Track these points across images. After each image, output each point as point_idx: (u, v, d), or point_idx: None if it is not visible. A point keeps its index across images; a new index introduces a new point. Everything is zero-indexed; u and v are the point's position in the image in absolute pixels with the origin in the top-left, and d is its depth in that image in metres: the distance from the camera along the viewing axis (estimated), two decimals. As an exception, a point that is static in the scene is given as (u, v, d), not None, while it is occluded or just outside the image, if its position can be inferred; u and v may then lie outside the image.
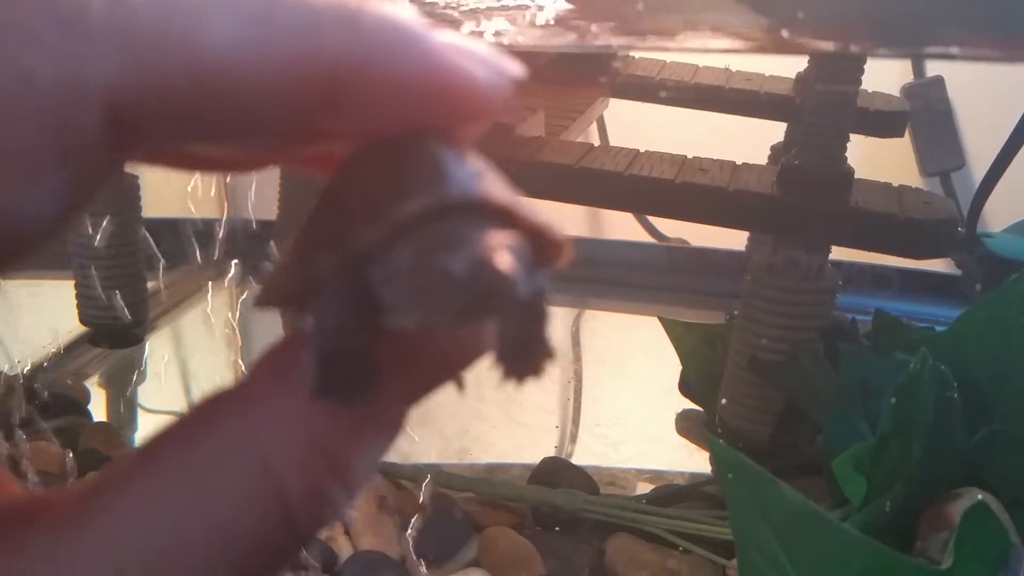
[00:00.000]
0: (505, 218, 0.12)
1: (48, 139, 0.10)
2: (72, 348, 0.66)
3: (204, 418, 0.12)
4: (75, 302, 0.64)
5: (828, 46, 0.43)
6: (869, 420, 0.40)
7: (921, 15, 0.40)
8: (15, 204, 0.10)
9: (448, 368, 0.13)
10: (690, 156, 0.52)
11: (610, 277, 0.85)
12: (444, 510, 0.48)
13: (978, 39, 0.40)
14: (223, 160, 0.15)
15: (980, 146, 0.93)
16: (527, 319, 0.12)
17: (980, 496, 0.34)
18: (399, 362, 0.12)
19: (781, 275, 0.46)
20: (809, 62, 0.63)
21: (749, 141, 0.73)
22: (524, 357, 0.12)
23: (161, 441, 0.12)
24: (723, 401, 0.48)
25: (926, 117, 0.92)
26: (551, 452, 0.59)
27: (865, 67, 0.44)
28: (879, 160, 0.93)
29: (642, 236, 0.93)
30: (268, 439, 0.12)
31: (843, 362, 0.41)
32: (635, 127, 0.90)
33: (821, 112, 0.44)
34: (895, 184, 0.49)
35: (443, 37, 0.12)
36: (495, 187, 0.12)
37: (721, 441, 0.32)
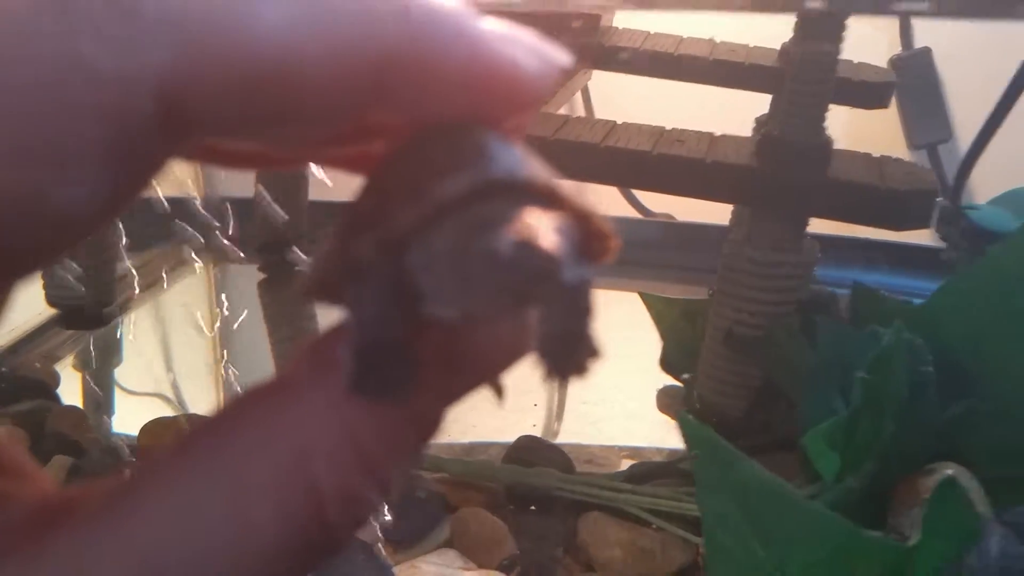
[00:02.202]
0: (551, 201, 0.11)
1: (102, 128, 0.10)
2: (43, 331, 0.65)
3: (239, 412, 0.12)
4: (41, 283, 0.62)
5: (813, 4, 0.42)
6: (845, 395, 0.39)
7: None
8: (66, 193, 0.10)
9: (489, 367, 0.13)
10: (669, 127, 0.51)
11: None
12: (417, 491, 0.47)
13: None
14: (261, 156, 0.14)
15: (967, 118, 0.92)
16: (572, 313, 0.11)
17: (950, 472, 0.33)
18: (438, 359, 0.12)
19: (756, 247, 0.45)
20: (795, 30, 0.62)
21: (738, 113, 0.72)
22: (568, 354, 0.12)
23: (194, 436, 0.12)
24: (700, 377, 0.48)
25: (914, 89, 0.90)
26: (530, 431, 0.59)
27: (846, 27, 0.43)
28: (867, 132, 0.92)
29: (628, 211, 0.92)
30: (304, 435, 0.11)
31: (820, 336, 0.41)
32: (621, 99, 0.89)
33: (802, 80, 0.43)
34: (876, 155, 0.48)
35: (491, 25, 0.12)
36: (541, 171, 0.12)
37: (691, 417, 0.31)
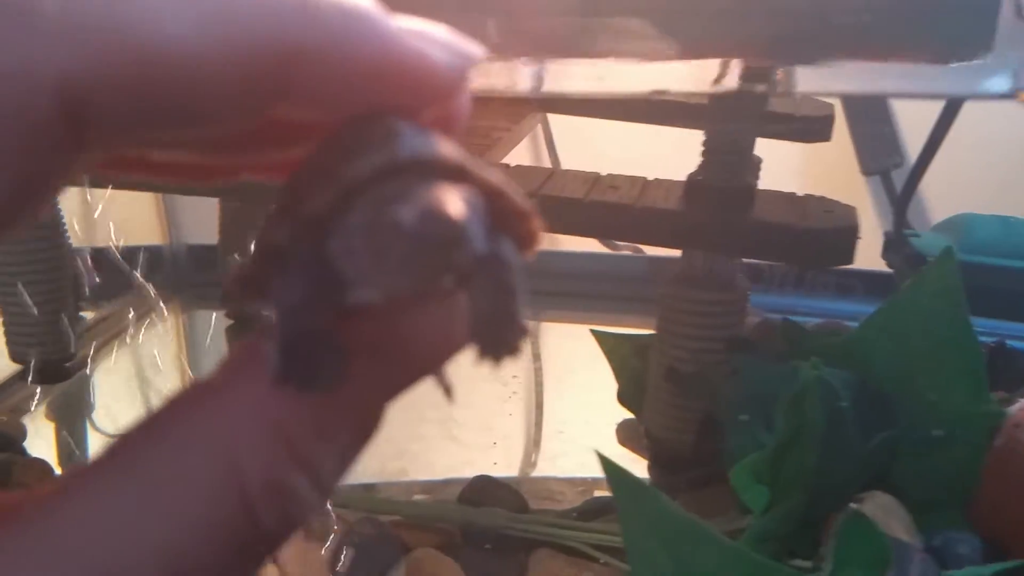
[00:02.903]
0: (461, 178, 0.12)
1: (1, 129, 0.10)
2: (9, 384, 0.66)
3: (167, 413, 0.12)
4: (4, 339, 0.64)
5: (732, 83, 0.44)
6: (770, 429, 0.41)
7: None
8: None
9: (423, 358, 0.13)
10: (605, 173, 0.53)
11: (563, 288, 0.86)
12: (372, 534, 0.48)
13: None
14: (191, 168, 0.15)
15: (919, 143, 0.95)
16: (497, 291, 0.11)
17: (854, 506, 0.35)
18: (370, 349, 0.12)
19: (690, 286, 0.47)
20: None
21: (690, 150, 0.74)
22: (497, 335, 0.12)
23: (125, 438, 0.12)
24: (647, 413, 0.49)
25: (865, 116, 0.93)
26: (489, 469, 0.60)
27: (767, 100, 0.45)
28: (823, 160, 0.94)
29: (595, 246, 0.94)
30: (229, 430, 0.11)
31: (743, 373, 0.42)
32: (587, 143, 0.90)
33: (720, 130, 0.45)
34: (800, 194, 0.50)
35: (400, 21, 0.12)
36: (451, 150, 0.12)
37: (608, 458, 0.33)
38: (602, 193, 0.48)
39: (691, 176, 0.48)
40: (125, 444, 0.12)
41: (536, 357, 0.79)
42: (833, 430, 0.37)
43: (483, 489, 0.53)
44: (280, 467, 0.11)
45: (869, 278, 0.79)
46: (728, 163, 0.46)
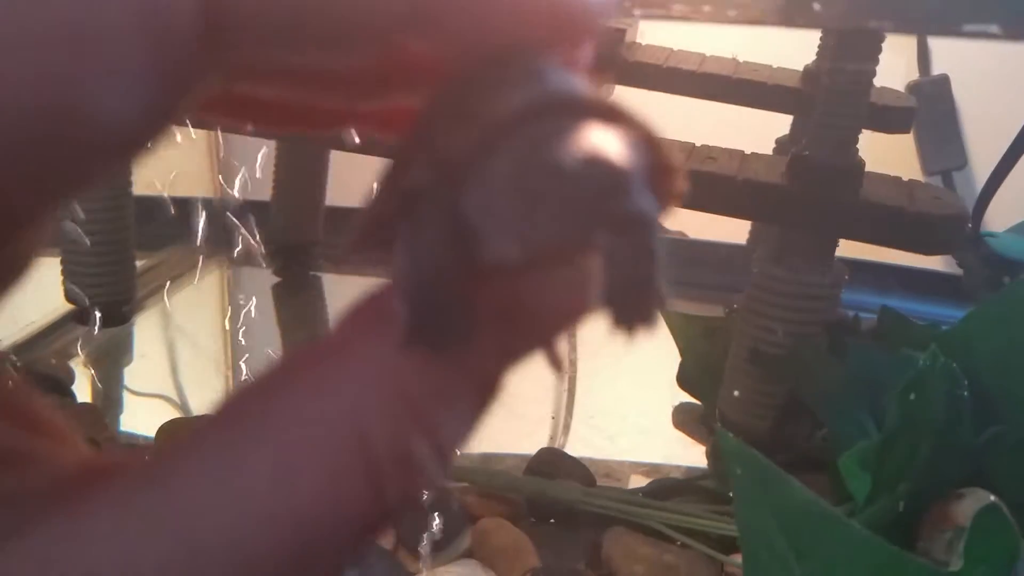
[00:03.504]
0: (615, 121, 0.10)
1: (143, 35, 0.10)
2: (57, 327, 0.65)
3: (284, 375, 0.11)
4: (60, 279, 0.62)
5: (845, 22, 0.42)
6: (875, 416, 0.39)
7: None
8: (107, 100, 0.10)
9: (548, 324, 0.12)
10: (699, 144, 0.51)
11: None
12: (438, 501, 0.47)
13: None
14: (298, 112, 0.14)
15: (983, 146, 0.93)
16: (637, 254, 0.10)
17: (992, 498, 0.33)
18: (495, 312, 0.11)
19: (786, 268, 0.45)
20: (819, 51, 0.63)
21: (756, 133, 0.72)
22: (634, 302, 0.10)
23: (238, 400, 0.11)
24: (735, 393, 0.48)
25: (930, 115, 0.91)
26: (547, 443, 0.59)
27: (882, 47, 0.43)
28: (882, 157, 0.92)
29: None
30: (356, 394, 0.10)
31: (850, 357, 0.41)
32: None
33: (834, 99, 0.44)
34: (904, 179, 0.48)
35: None
36: (599, 92, 0.11)
37: (730, 433, 0.31)
38: (700, 163, 0.46)
39: (796, 151, 0.46)
40: (239, 404, 0.11)
41: (571, 335, 0.78)
42: (952, 420, 0.35)
43: (550, 461, 0.51)
44: (406, 432, 0.11)
45: (907, 275, 0.77)
46: (838, 139, 0.44)
